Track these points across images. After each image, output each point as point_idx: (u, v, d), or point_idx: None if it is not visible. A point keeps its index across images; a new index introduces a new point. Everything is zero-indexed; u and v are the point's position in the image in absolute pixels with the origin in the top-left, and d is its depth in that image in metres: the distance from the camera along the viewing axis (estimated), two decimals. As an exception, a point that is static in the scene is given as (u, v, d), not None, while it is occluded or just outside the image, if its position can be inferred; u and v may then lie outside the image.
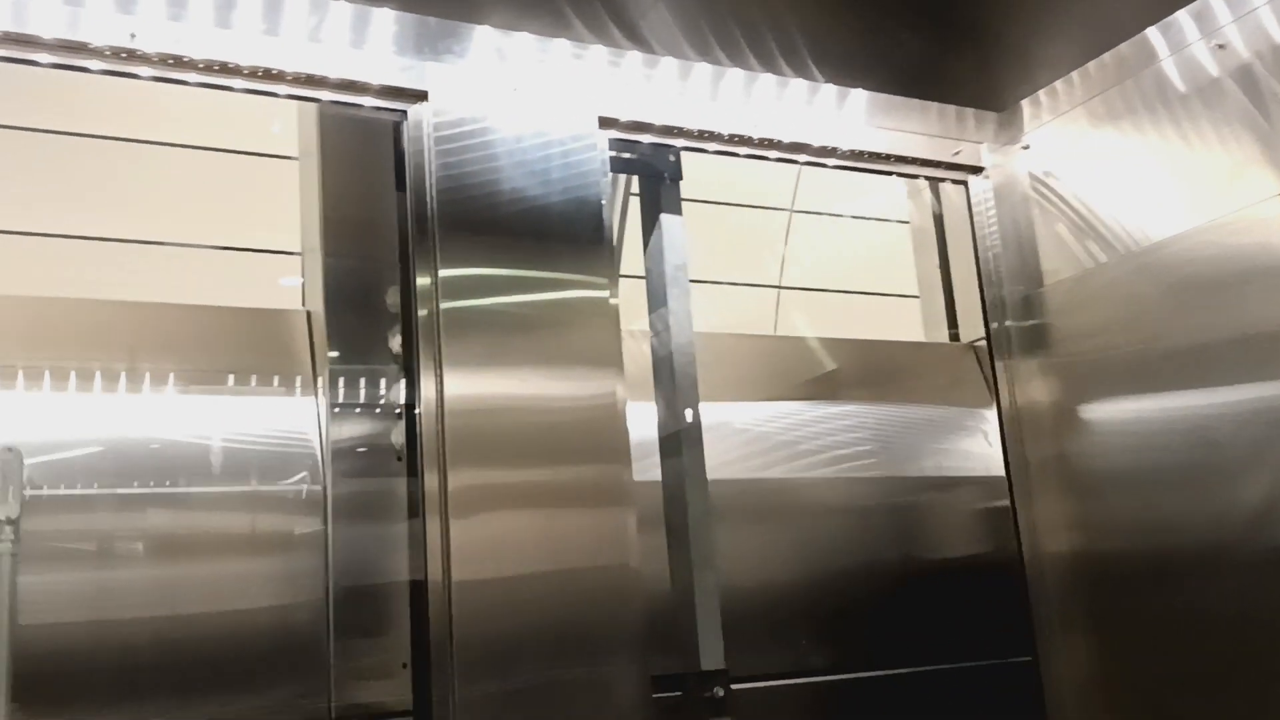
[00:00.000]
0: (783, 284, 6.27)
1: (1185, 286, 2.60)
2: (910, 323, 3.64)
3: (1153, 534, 2.64)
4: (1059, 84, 2.96)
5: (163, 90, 2.22)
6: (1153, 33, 2.72)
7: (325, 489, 2.36)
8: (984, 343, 3.04)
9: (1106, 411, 2.79)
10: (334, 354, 2.46)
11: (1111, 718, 2.70)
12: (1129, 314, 2.74)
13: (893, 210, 4.62)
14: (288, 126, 2.85)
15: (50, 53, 2.08)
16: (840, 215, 6.02)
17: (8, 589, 2.01)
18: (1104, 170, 2.87)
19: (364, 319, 2.49)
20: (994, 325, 2.97)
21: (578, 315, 2.37)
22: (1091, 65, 2.88)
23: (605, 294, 2.40)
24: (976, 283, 2.99)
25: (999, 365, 2.96)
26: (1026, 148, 3.03)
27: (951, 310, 3.28)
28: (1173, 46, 2.70)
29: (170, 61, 2.15)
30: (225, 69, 2.19)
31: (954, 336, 3.17)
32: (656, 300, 2.70)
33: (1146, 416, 2.68)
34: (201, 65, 2.17)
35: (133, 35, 2.11)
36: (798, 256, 6.25)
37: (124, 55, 2.11)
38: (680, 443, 2.62)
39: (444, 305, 2.24)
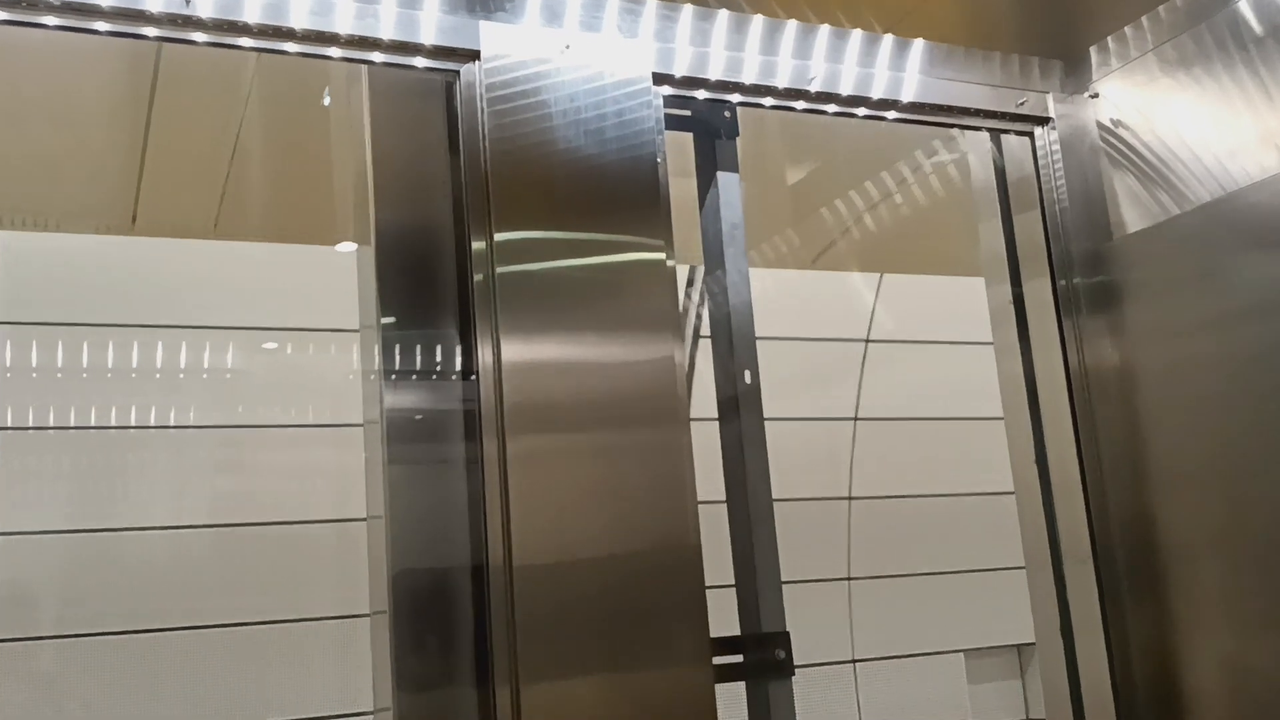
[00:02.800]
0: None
1: (1263, 236, 2.50)
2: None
3: (1229, 497, 2.56)
4: (1128, 29, 2.85)
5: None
6: (1228, -28, 2.62)
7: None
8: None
9: (1180, 369, 2.70)
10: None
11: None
12: (1204, 266, 2.64)
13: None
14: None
15: (108, 21, 2.09)
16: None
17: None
18: (1176, 118, 2.76)
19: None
20: (1060, 282, 2.88)
21: (635, 278, 2.34)
22: (1162, 9, 2.77)
23: (662, 255, 2.37)
24: (1043, 238, 2.91)
25: (1066, 324, 2.87)
26: (1095, 96, 2.93)
27: (1015, 270, 3.18)
28: (1249, -14, 2.59)
29: (225, 26, 2.15)
30: (279, 32, 2.18)
31: (1017, 295, 3.08)
32: (713, 261, 2.66)
33: (1223, 373, 2.59)
34: (256, 30, 2.17)
35: (188, 1, 2.11)
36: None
37: (180, 21, 2.12)
38: (738, 404, 2.59)
39: (499, 270, 2.23)
